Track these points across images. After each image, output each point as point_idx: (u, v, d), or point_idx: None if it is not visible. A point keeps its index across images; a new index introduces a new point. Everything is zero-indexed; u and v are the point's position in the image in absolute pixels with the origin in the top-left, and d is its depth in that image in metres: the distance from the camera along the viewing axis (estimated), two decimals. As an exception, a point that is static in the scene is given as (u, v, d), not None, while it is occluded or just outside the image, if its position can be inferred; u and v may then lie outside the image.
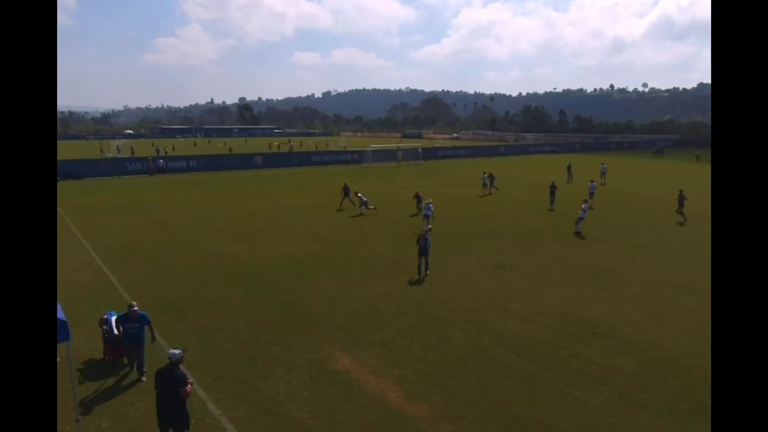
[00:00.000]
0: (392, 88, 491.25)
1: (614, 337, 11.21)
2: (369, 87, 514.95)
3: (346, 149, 72.81)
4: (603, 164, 41.45)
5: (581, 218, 21.80)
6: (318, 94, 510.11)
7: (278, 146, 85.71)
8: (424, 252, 15.44)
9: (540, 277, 15.46)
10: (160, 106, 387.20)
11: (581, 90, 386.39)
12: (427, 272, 15.67)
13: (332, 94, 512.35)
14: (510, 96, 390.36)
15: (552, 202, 27.84)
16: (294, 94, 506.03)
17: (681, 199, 24.10)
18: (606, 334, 11.37)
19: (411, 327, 11.80)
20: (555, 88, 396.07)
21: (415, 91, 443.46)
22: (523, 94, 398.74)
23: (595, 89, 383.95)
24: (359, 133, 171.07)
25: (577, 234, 21.27)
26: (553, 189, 28.16)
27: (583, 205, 22.16)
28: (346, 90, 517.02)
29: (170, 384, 7.14)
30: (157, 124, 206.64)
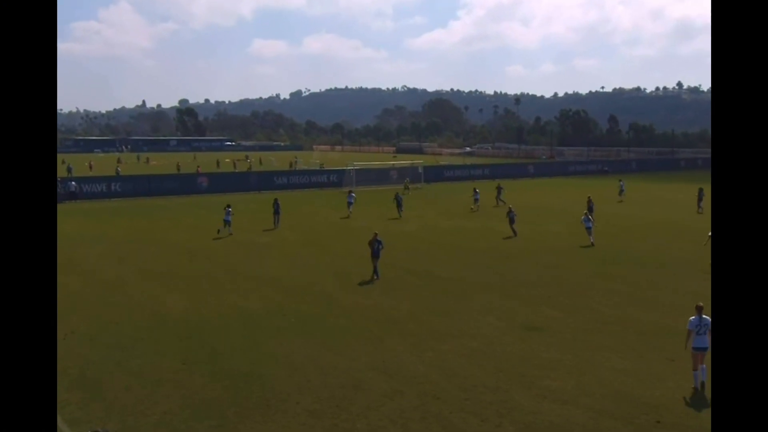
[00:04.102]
0: (384, 87, 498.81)
1: (687, 428, 11.11)
2: (353, 85, 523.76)
3: (323, 167, 73.47)
4: (620, 181, 48.88)
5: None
6: (284, 95, 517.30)
7: (234, 164, 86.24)
8: (376, 254, 21.39)
9: (586, 343, 15.40)
10: (74, 110, 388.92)
11: (638, 89, 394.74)
12: (378, 278, 21.39)
13: (303, 94, 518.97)
14: (542, 97, 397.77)
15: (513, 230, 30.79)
16: (253, 95, 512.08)
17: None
18: (676, 424, 11.26)
19: (408, 411, 11.64)
20: (603, 87, 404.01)
21: (414, 90, 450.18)
22: (560, 94, 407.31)
23: (657, 88, 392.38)
24: (339, 147, 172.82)
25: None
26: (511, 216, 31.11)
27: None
28: (322, 89, 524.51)
29: None
30: (70, 134, 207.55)
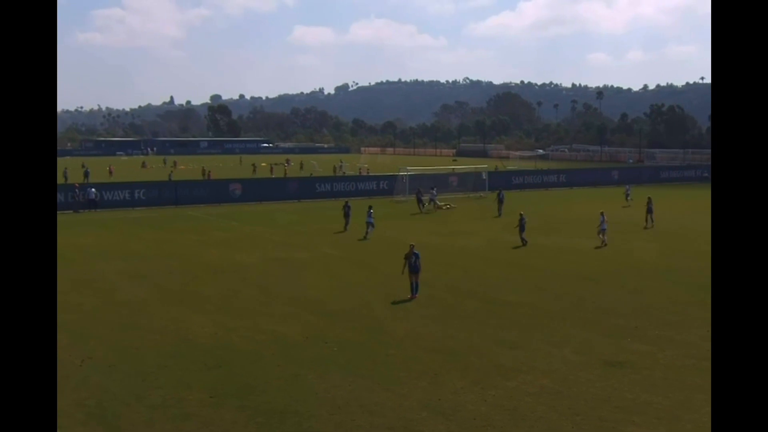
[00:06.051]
0: (443, 80, 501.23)
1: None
2: (407, 78, 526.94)
3: (369, 173, 73.80)
4: (627, 186, 54.75)
5: None
6: (329, 90, 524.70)
7: (271, 168, 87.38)
8: (414, 269, 21.86)
9: (679, 383, 15.07)
10: (95, 108, 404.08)
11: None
12: (416, 295, 21.87)
13: (350, 89, 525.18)
14: (629, 90, 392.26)
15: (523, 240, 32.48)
16: (293, 90, 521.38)
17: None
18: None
19: (468, 458, 11.56)
20: (702, 78, 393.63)
21: (478, 83, 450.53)
22: (651, 86, 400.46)
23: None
24: (390, 149, 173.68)
25: None
26: (522, 222, 32.73)
27: None
28: (372, 83, 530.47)
29: None
30: (91, 135, 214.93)
